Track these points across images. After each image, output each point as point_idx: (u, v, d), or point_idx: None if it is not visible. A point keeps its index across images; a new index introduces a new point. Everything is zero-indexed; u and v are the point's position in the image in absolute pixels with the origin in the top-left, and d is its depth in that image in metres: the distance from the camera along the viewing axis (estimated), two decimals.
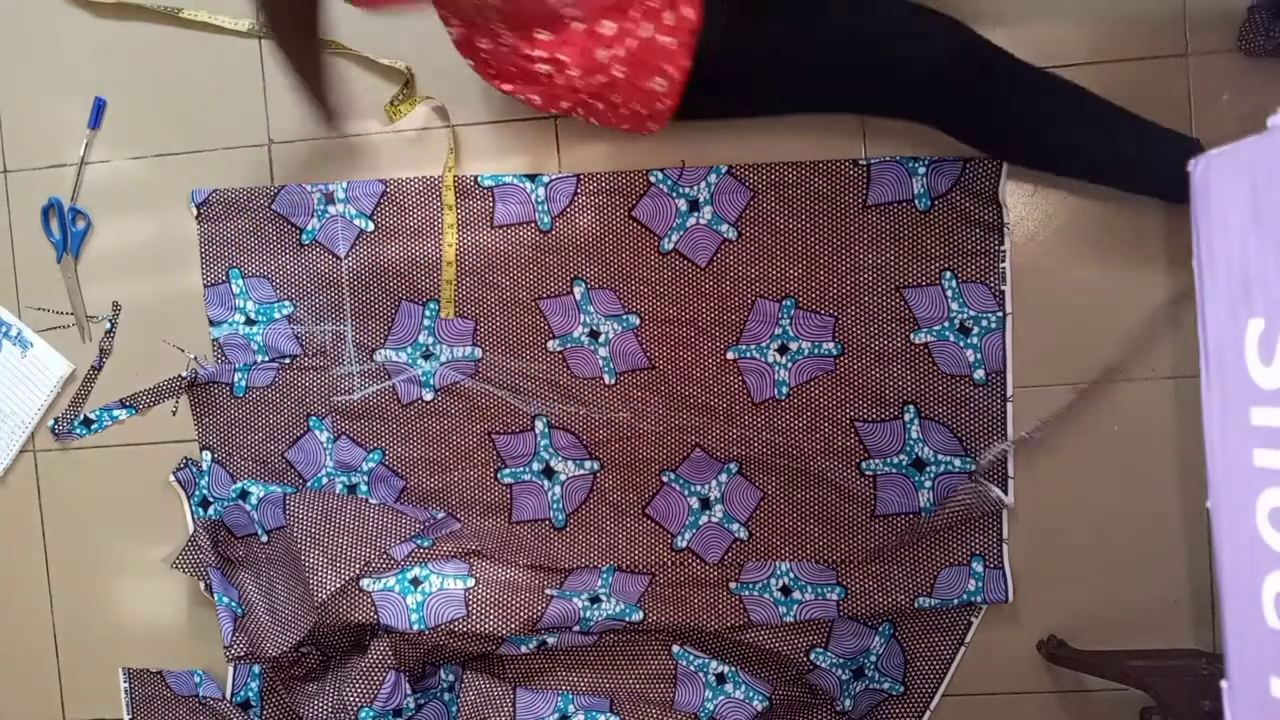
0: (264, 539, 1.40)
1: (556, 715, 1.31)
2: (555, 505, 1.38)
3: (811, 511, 1.34)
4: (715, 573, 1.34)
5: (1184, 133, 1.20)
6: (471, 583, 1.31)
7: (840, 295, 1.33)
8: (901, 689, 1.33)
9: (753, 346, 1.34)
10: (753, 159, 1.33)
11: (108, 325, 1.47)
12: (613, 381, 1.36)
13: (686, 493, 1.36)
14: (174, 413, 1.46)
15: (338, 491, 1.41)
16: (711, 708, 1.31)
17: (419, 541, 1.35)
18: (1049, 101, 1.20)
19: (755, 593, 1.32)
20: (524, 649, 1.33)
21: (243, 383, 1.43)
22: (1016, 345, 1.31)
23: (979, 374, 1.31)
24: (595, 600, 1.30)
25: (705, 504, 1.36)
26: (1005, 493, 1.30)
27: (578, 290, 1.36)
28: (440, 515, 1.38)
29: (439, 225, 1.38)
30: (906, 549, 1.32)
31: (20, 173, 1.48)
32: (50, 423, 1.48)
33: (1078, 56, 1.23)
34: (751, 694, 1.31)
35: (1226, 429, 0.67)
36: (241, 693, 1.43)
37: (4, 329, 1.49)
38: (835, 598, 1.31)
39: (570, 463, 1.38)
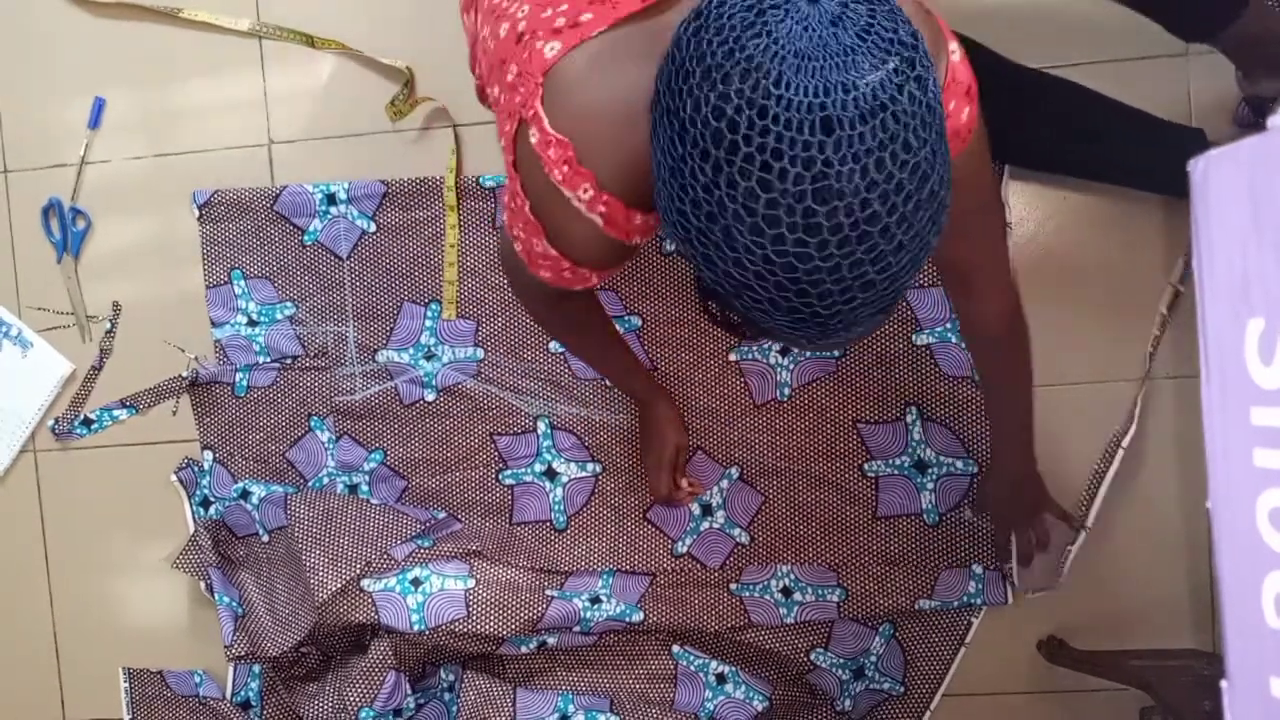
0: (265, 539, 1.40)
1: (556, 715, 1.31)
2: (556, 507, 1.38)
3: (813, 514, 1.34)
4: (716, 574, 1.34)
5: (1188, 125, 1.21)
6: (472, 583, 1.31)
7: None
8: (902, 689, 1.33)
9: (754, 348, 1.34)
10: None
11: (108, 325, 1.47)
12: None
13: None
14: (174, 413, 1.46)
15: (339, 491, 1.41)
16: (712, 708, 1.31)
17: (420, 542, 1.35)
18: (1052, 111, 1.20)
19: (756, 594, 1.32)
20: (524, 649, 1.33)
21: (244, 382, 1.43)
22: None
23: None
24: (595, 601, 1.30)
25: (707, 510, 1.36)
26: None
27: None
28: (441, 516, 1.38)
29: (441, 226, 1.38)
30: (908, 551, 1.32)
31: (20, 173, 1.48)
32: (50, 423, 1.48)
33: (1078, 56, 1.23)
34: (752, 694, 1.31)
35: (1226, 429, 0.67)
36: (241, 693, 1.43)
37: (4, 329, 1.49)
38: (836, 599, 1.31)
39: (573, 464, 1.37)
